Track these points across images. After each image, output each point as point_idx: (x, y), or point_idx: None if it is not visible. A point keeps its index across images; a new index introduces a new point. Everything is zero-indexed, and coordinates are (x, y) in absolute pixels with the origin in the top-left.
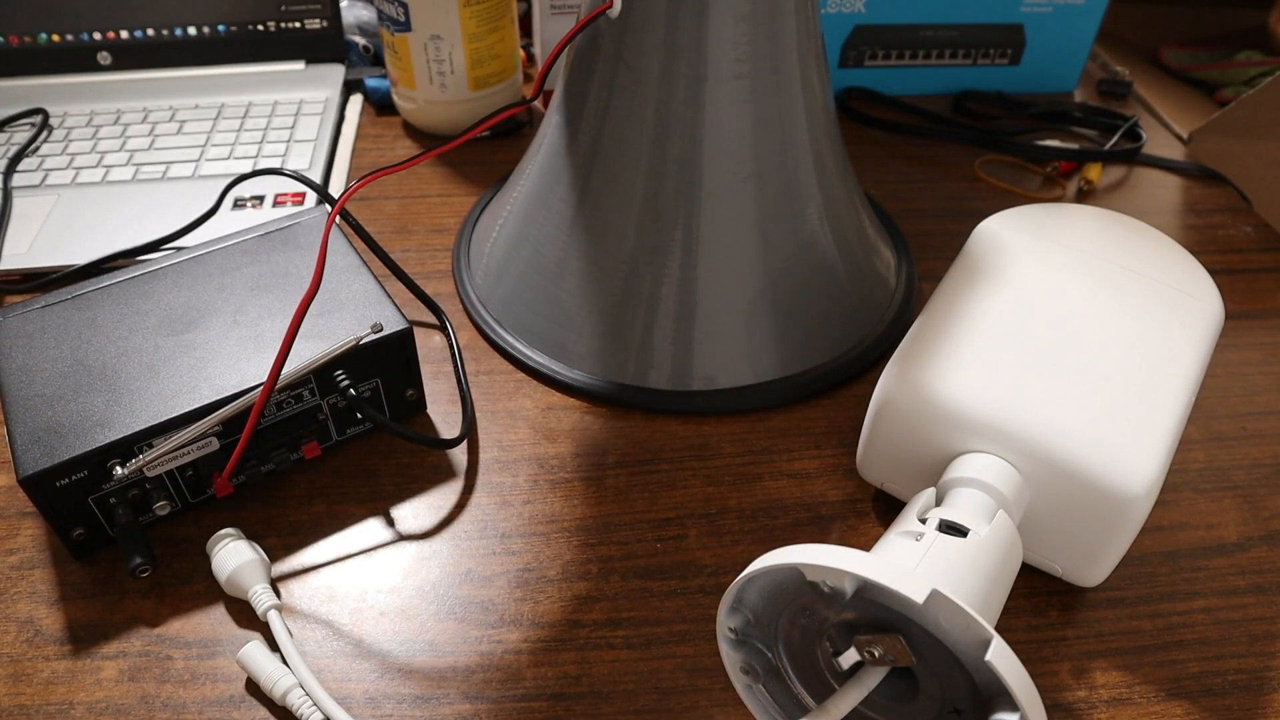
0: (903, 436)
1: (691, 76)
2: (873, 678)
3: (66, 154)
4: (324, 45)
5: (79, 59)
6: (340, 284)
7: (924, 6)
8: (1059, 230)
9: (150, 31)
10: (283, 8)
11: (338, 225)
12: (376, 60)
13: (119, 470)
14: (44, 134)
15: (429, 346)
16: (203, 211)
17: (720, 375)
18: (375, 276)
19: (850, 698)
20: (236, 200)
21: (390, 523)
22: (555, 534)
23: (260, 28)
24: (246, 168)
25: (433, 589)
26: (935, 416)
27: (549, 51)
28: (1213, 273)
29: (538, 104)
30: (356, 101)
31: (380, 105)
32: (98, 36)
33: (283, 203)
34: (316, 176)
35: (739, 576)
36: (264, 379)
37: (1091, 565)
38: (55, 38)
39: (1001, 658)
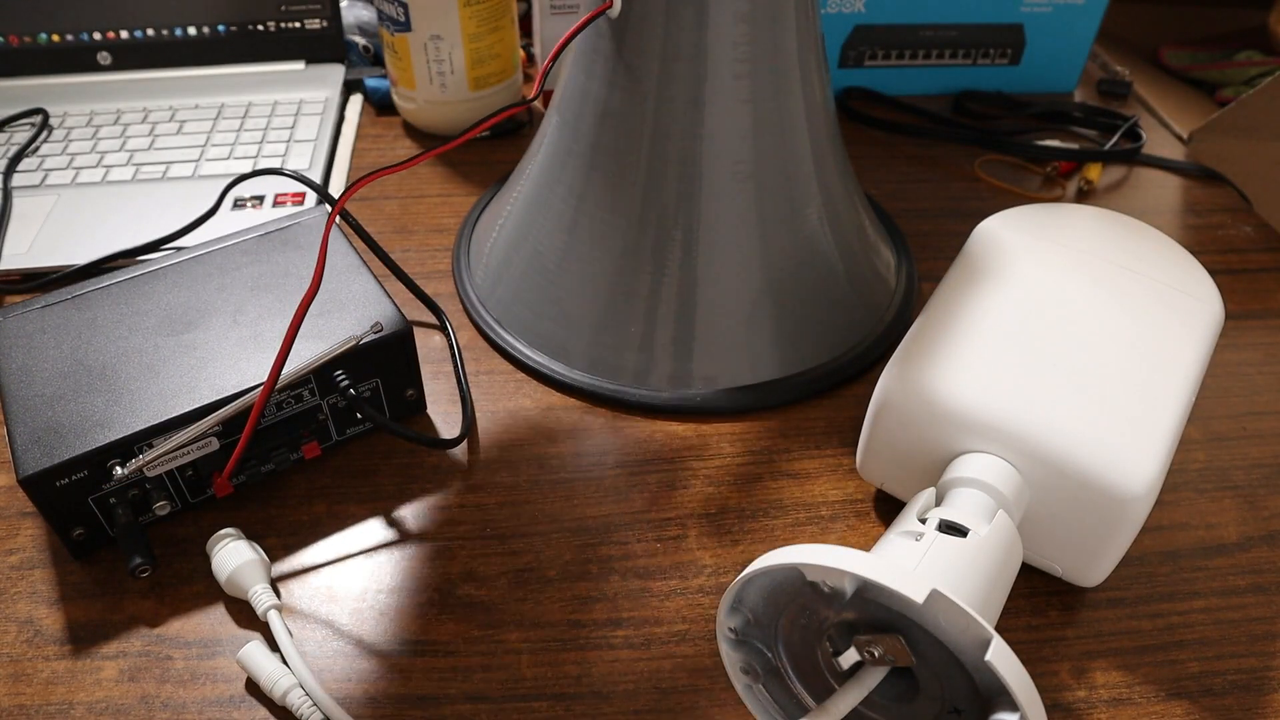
0: (903, 436)
1: (691, 76)
2: (873, 678)
3: (66, 154)
4: (324, 45)
5: (79, 59)
6: (340, 284)
7: (924, 6)
8: (1059, 230)
9: (150, 31)
10: (283, 8)
11: (338, 225)
12: (376, 60)
13: (119, 470)
14: (44, 134)
15: (429, 346)
16: (203, 211)
17: (720, 375)
18: (375, 276)
19: (850, 698)
20: (236, 200)
21: (390, 523)
22: (555, 534)
23: (260, 28)
24: (246, 168)
25: (433, 589)
26: (935, 416)
27: (549, 51)
28: (1213, 273)
29: (538, 104)
30: (356, 101)
31: (380, 105)
32: (98, 36)
33: (283, 203)
34: (316, 176)
35: (739, 576)
36: (264, 379)
37: (1091, 565)
38: (55, 38)
39: (1001, 658)
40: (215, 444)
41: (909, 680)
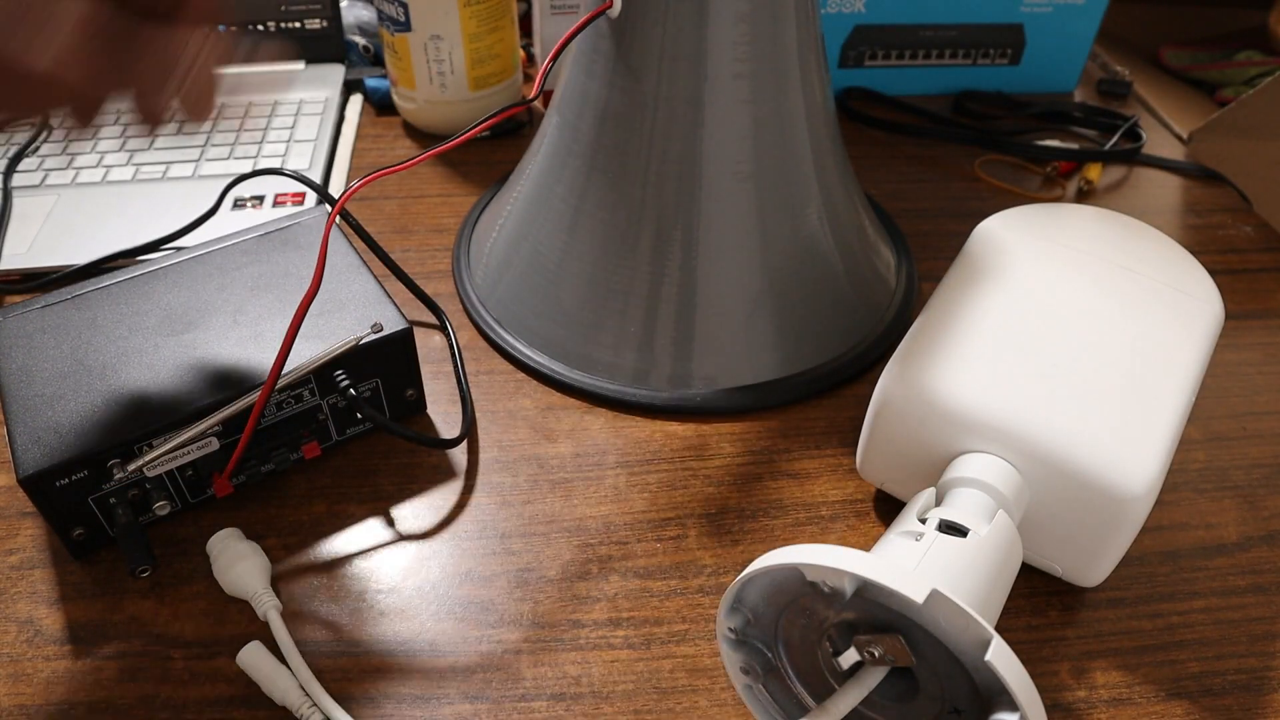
0: (903, 436)
1: (691, 76)
2: (873, 678)
3: (66, 154)
4: (324, 45)
5: None
6: (340, 284)
7: (924, 6)
8: (1059, 230)
9: None
10: (283, 8)
11: (338, 225)
12: (376, 60)
13: (119, 470)
14: (44, 134)
15: (429, 346)
16: (203, 211)
17: (720, 375)
18: (375, 276)
19: (850, 698)
20: (236, 200)
21: (390, 523)
22: (555, 534)
23: (260, 28)
24: (246, 168)
25: (432, 589)
26: (935, 416)
27: (549, 51)
28: (1213, 273)
29: (538, 104)
30: (356, 101)
31: (380, 105)
32: None
33: (283, 203)
34: (316, 176)
35: (739, 576)
36: (264, 379)
37: (1091, 565)
38: None
39: (1001, 658)
40: (215, 444)
41: (909, 680)
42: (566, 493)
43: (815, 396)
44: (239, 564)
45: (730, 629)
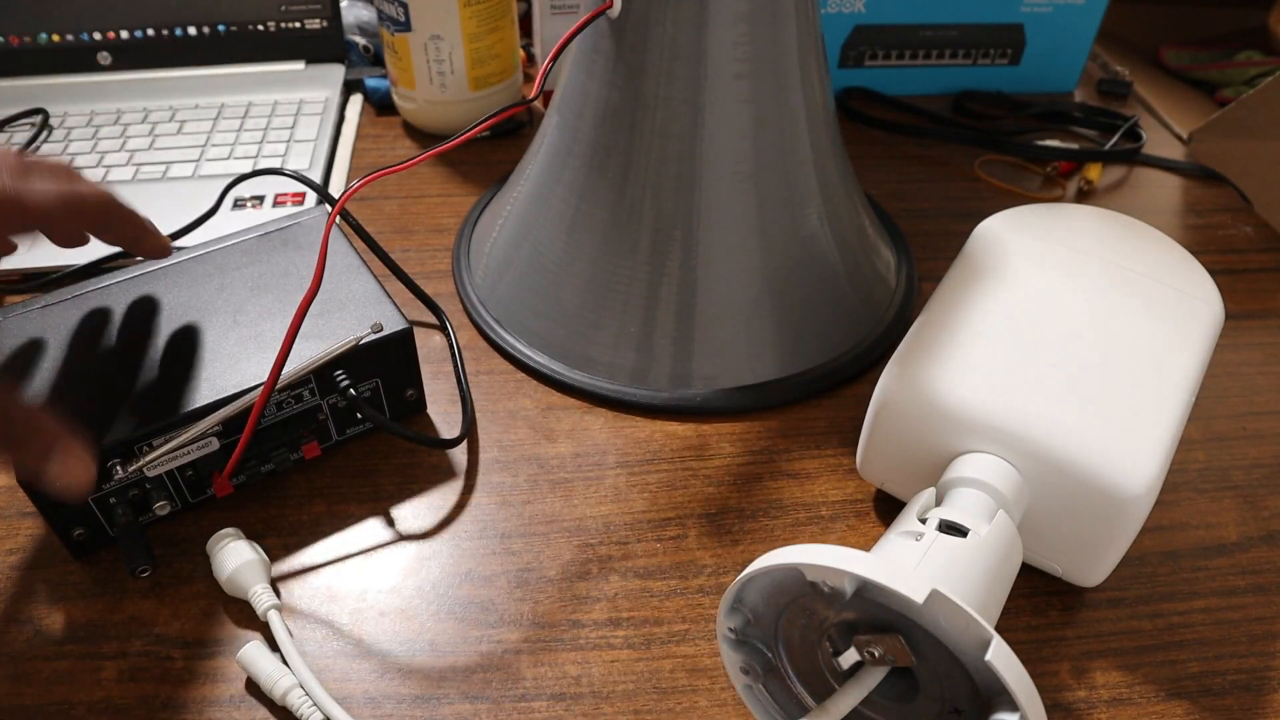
0: (903, 436)
1: (691, 76)
2: (873, 678)
3: (66, 154)
4: (324, 45)
5: (79, 59)
6: (340, 284)
7: (924, 6)
8: (1059, 230)
9: (150, 31)
10: (283, 8)
11: (338, 225)
12: (376, 60)
13: (119, 470)
14: (44, 134)
15: (429, 346)
16: (203, 211)
17: (720, 375)
18: (375, 276)
19: (850, 698)
20: (236, 200)
21: (390, 523)
22: (555, 534)
23: (260, 28)
24: (246, 168)
25: (432, 589)
26: (935, 416)
27: (549, 51)
28: (1213, 273)
29: (538, 104)
30: (356, 101)
31: (380, 105)
32: (98, 36)
33: (283, 203)
34: (316, 176)
35: (739, 576)
36: (264, 379)
37: (1091, 565)
38: (55, 38)
39: (1001, 658)
40: (215, 444)
41: (909, 680)
42: (566, 493)
43: (815, 396)
44: (239, 563)
45: (730, 629)
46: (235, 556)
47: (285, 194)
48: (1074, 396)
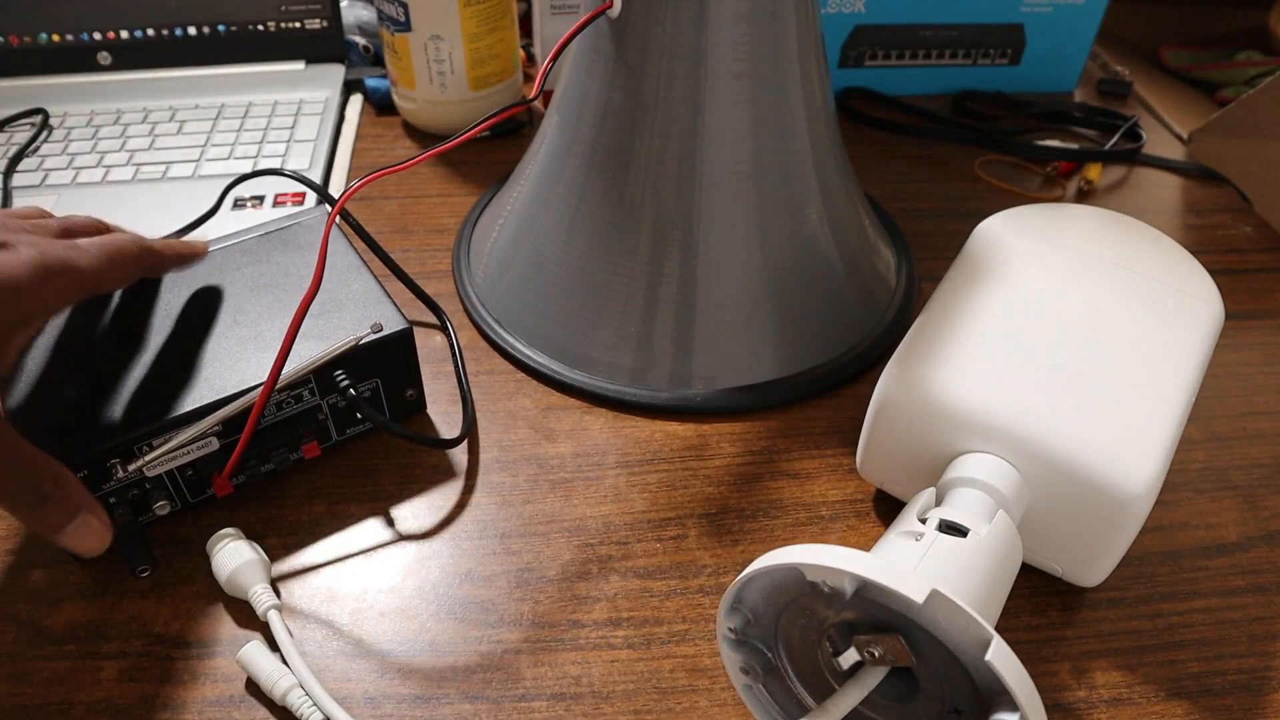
0: (903, 436)
1: (691, 76)
2: (873, 678)
3: (66, 154)
4: (324, 45)
5: (79, 59)
6: (340, 284)
7: (924, 6)
8: (1059, 230)
9: (150, 31)
10: (283, 8)
11: (338, 225)
12: (376, 60)
13: (119, 470)
14: (44, 134)
15: (429, 346)
16: (203, 211)
17: (720, 375)
18: (375, 276)
19: (850, 698)
20: (236, 200)
21: (390, 523)
22: (555, 534)
23: (260, 28)
24: (246, 168)
25: (432, 589)
26: (935, 416)
27: (549, 51)
28: (1213, 273)
29: (538, 104)
30: (356, 101)
31: (380, 105)
32: (98, 36)
33: (283, 203)
34: (316, 176)
35: (739, 576)
36: (264, 379)
37: (1091, 565)
38: (55, 38)
39: (1001, 658)
40: (215, 444)
41: (909, 680)
42: (566, 493)
43: (815, 396)
44: (239, 563)
45: (730, 629)
46: (235, 556)
47: (285, 194)
48: (1074, 396)
